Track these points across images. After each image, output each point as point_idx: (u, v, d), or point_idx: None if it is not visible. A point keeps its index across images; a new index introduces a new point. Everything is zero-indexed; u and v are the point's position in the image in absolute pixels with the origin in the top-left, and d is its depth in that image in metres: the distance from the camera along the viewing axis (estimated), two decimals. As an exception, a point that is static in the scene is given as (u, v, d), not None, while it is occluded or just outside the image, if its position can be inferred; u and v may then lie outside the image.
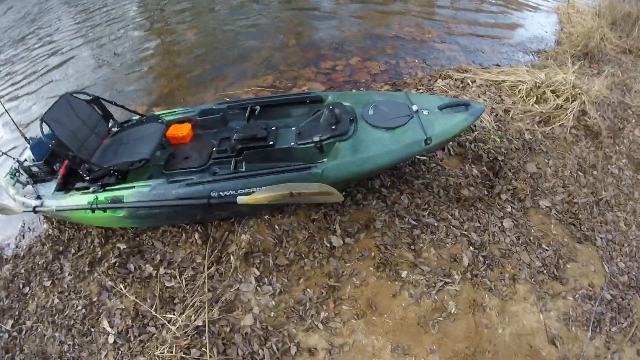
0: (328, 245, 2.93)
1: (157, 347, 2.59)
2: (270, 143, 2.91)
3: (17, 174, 3.45)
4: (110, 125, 3.55)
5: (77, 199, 3.04)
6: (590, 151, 3.72)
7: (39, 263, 3.41)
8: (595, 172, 3.59)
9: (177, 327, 2.64)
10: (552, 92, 3.79)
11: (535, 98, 3.82)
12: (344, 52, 4.62)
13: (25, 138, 3.43)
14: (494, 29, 5.73)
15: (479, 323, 2.60)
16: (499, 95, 3.96)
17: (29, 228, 3.79)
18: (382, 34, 5.08)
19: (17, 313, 3.27)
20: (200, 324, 2.63)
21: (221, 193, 2.69)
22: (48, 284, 3.27)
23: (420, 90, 3.98)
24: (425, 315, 2.60)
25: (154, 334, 2.72)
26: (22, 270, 3.45)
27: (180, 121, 3.44)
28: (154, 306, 2.84)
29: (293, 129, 3.06)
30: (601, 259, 3.16)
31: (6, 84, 6.68)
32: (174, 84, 4.80)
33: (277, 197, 2.49)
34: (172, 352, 2.53)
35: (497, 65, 4.61)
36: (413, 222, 3.01)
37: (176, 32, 6.50)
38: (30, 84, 6.30)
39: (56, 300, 3.17)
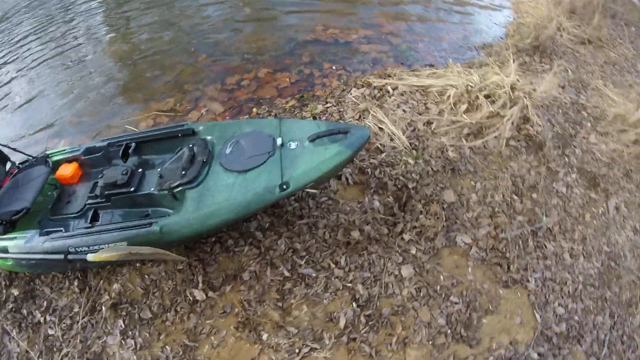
0: (191, 299, 2.64)
1: None
2: (132, 189, 2.66)
3: None
4: (8, 167, 3.41)
5: None
6: (531, 167, 3.04)
7: None
8: (534, 195, 2.92)
9: None
10: (486, 97, 3.10)
11: (466, 105, 3.15)
12: (254, 63, 4.11)
13: None
14: (434, 24, 4.99)
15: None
16: (424, 104, 3.32)
17: None
18: (301, 37, 4.52)
19: None
20: None
21: (77, 249, 2.53)
22: None
23: (329, 105, 3.43)
24: None
25: None
26: None
27: (69, 160, 3.24)
28: (40, 352, 2.81)
29: (158, 169, 2.76)
30: (532, 305, 2.61)
31: None
32: (83, 110, 4.54)
33: (120, 257, 2.30)
34: None
35: (431, 66, 3.92)
36: (286, 274, 2.58)
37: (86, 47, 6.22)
38: None
39: None
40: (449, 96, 3.21)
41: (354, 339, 2.36)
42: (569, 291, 2.66)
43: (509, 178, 2.96)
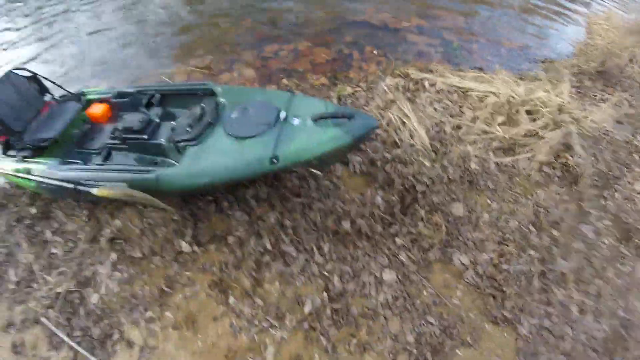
0: (178, 248, 2.75)
1: (33, 301, 2.93)
2: (145, 137, 2.80)
3: None
4: (46, 99, 3.72)
5: (8, 164, 3.35)
6: (559, 201, 2.71)
7: None
8: (556, 232, 2.60)
9: (47, 288, 2.91)
10: (528, 112, 2.79)
11: (504, 117, 2.85)
12: (297, 35, 4.07)
13: None
14: (496, 26, 4.60)
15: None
16: (460, 107, 3.06)
17: None
18: (350, 16, 4.35)
19: None
20: (60, 291, 2.84)
21: (86, 182, 2.74)
22: None
23: (358, 89, 3.29)
24: (237, 350, 2.35)
25: (33, 289, 3.02)
26: None
27: (101, 100, 3.49)
28: (42, 266, 3.10)
29: (173, 123, 2.86)
30: (518, 352, 2.35)
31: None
32: (128, 56, 4.71)
33: (117, 195, 2.53)
34: (37, 309, 2.83)
35: (479, 69, 3.60)
36: (268, 247, 2.56)
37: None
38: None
39: None
40: (487, 104, 2.94)
41: (314, 329, 2.31)
42: (564, 348, 2.35)
43: (531, 206, 2.67)
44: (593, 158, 2.91)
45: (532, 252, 2.56)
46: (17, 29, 6.13)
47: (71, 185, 2.81)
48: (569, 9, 5.38)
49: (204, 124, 2.53)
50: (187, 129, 2.55)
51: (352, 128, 2.14)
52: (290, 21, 4.47)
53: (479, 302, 2.43)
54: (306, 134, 2.20)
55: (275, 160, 2.15)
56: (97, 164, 2.88)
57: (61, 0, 6.50)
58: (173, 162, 2.63)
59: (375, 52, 3.79)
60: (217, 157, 2.34)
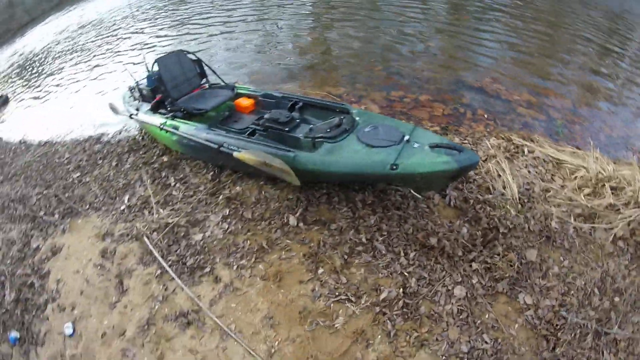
0: (285, 221, 3.29)
1: (141, 222, 3.62)
2: (286, 129, 3.42)
3: (133, 91, 4.85)
4: (202, 82, 4.63)
5: (156, 119, 4.19)
6: (627, 275, 2.93)
7: (117, 151, 4.83)
8: (617, 299, 2.83)
9: (158, 217, 3.61)
10: (613, 188, 3.12)
11: (590, 190, 3.20)
12: (420, 88, 4.72)
13: (147, 70, 4.72)
14: (603, 113, 4.86)
15: (351, 352, 2.52)
16: (552, 175, 3.44)
17: (127, 129, 5.35)
18: (469, 81, 4.92)
19: (85, 171, 4.73)
20: (171, 222, 3.52)
21: (228, 146, 3.39)
22: (114, 164, 4.63)
23: (465, 142, 3.78)
24: (312, 312, 2.68)
25: (144, 215, 3.75)
26: (105, 151, 4.95)
27: (249, 96, 4.30)
28: (158, 202, 3.84)
29: (311, 126, 3.51)
30: None
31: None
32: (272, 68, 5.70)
33: (255, 161, 3.07)
34: (144, 229, 3.54)
35: (576, 147, 3.92)
36: (363, 240, 3.05)
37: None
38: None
39: (111, 173, 4.49)
40: (577, 176, 3.31)
41: (384, 313, 2.64)
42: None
43: (599, 272, 2.93)
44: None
45: (591, 312, 2.76)
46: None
47: (215, 146, 3.42)
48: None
49: (341, 129, 3.12)
50: (327, 130, 3.16)
51: (460, 159, 2.58)
52: (416, 76, 5.17)
53: (532, 340, 2.64)
54: (423, 154, 2.70)
55: (394, 167, 2.66)
56: (242, 137, 3.48)
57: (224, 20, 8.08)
58: (304, 153, 3.11)
59: (485, 115, 4.29)
60: (348, 154, 2.91)
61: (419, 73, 5.29)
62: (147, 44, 9.04)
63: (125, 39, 10.94)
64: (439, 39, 7.04)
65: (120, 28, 12.18)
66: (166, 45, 8.78)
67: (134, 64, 7.73)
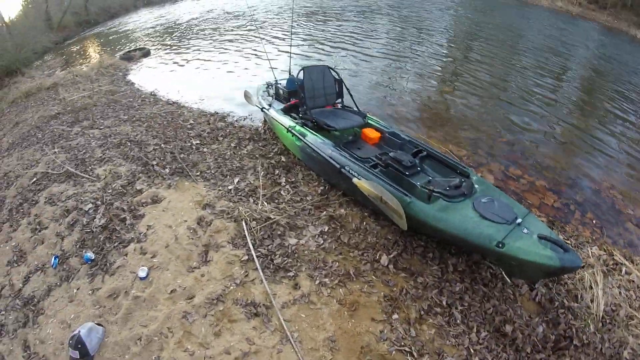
0: (377, 257, 3.48)
1: (244, 207, 3.93)
2: (407, 173, 3.61)
3: (269, 87, 5.36)
4: (337, 101, 4.94)
5: (286, 120, 4.58)
6: None
7: (239, 135, 5.38)
8: None
9: (261, 209, 3.91)
10: None
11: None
12: (538, 172, 4.76)
13: (290, 73, 5.18)
14: None
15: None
16: None
17: (252, 118, 5.89)
18: (587, 181, 4.86)
19: (204, 141, 5.32)
20: (272, 218, 3.80)
21: (349, 170, 3.65)
22: (232, 145, 5.16)
23: (569, 241, 3.80)
24: (372, 352, 2.78)
25: (248, 201, 4.12)
26: (227, 130, 5.56)
27: (377, 129, 4.53)
28: (265, 195, 4.17)
29: (430, 178, 3.68)
30: None
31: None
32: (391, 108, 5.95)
33: (372, 193, 3.27)
34: (245, 214, 3.81)
35: None
36: (444, 304, 3.16)
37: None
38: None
39: (228, 153, 4.98)
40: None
41: None
42: None
43: None
44: None
45: None
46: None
47: (337, 165, 3.67)
48: None
49: (459, 192, 3.25)
50: (446, 188, 3.29)
51: (564, 258, 2.58)
52: (537, 159, 5.24)
53: None
54: (530, 242, 2.73)
55: (500, 245, 2.72)
56: (364, 165, 3.65)
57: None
58: (419, 202, 3.24)
59: (594, 220, 4.26)
60: (461, 217, 3.02)
61: (540, 156, 5.33)
62: (296, 45, 9.89)
63: (274, 35, 12.27)
64: (570, 124, 6.98)
65: (275, 26, 13.58)
66: (311, 56, 9.66)
67: (275, 58, 8.67)
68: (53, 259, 3.60)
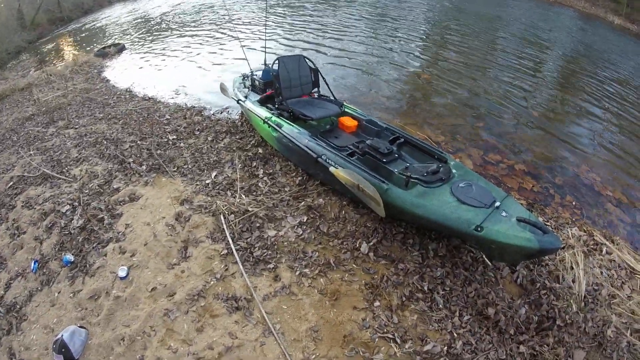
0: (357, 246, 3.47)
1: (221, 201, 3.89)
2: (384, 160, 3.57)
3: (245, 79, 5.27)
4: (313, 90, 4.89)
5: (262, 111, 4.51)
6: None
7: (215, 128, 5.34)
8: None
9: (239, 202, 3.86)
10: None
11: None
12: (517, 156, 4.80)
13: (265, 64, 5.08)
14: None
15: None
16: (622, 282, 3.43)
17: (229, 111, 5.83)
18: (571, 166, 4.90)
19: (181, 136, 5.25)
20: (250, 210, 3.77)
21: (326, 159, 3.60)
22: (209, 139, 5.07)
23: (547, 224, 3.81)
24: (355, 339, 2.78)
25: (226, 195, 4.09)
26: (204, 124, 5.49)
27: (354, 117, 4.49)
28: (243, 188, 4.12)
29: (407, 164, 3.67)
30: None
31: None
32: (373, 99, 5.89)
33: (349, 182, 3.23)
34: (223, 208, 3.79)
35: None
36: (425, 289, 3.15)
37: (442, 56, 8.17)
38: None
39: (205, 147, 4.90)
40: (650, 293, 3.31)
41: None
42: None
43: None
44: None
45: None
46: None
47: (314, 155, 3.63)
48: None
49: (437, 177, 3.23)
50: (424, 174, 3.27)
51: (543, 240, 2.58)
52: (515, 143, 5.26)
53: None
54: (508, 225, 2.73)
55: (479, 229, 2.72)
56: (341, 154, 3.61)
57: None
58: (397, 188, 3.21)
59: (573, 202, 4.28)
60: (439, 202, 3.00)
61: (519, 141, 5.35)
62: (270, 35, 9.84)
63: (248, 26, 12.13)
64: (547, 109, 7.04)
65: (248, 17, 13.46)
66: (286, 46, 9.54)
67: (250, 49, 8.48)
68: (33, 263, 3.55)
